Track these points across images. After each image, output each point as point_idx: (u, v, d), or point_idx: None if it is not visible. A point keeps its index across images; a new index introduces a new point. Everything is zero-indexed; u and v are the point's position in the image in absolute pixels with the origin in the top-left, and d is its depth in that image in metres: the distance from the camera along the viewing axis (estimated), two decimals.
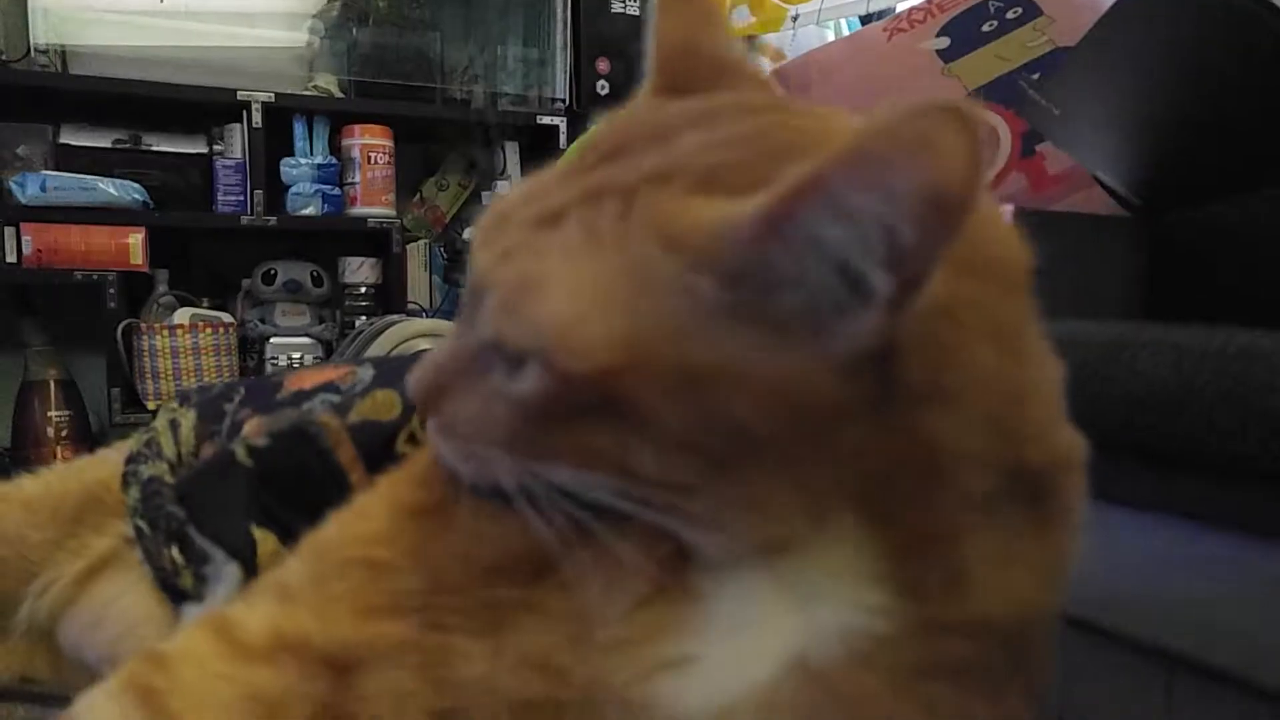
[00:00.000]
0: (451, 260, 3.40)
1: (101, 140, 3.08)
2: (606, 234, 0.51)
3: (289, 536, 0.74)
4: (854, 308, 0.48)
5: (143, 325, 3.04)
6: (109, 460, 0.97)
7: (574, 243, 0.52)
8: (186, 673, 0.61)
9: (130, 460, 0.93)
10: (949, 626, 0.55)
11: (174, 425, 0.93)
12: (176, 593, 0.85)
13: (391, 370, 0.84)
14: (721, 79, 0.62)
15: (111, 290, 2.95)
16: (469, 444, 0.57)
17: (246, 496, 0.77)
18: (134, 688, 0.61)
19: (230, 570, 0.74)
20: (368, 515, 0.67)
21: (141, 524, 0.87)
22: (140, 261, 2.97)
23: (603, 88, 3.44)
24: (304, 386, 0.88)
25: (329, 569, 0.65)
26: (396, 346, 2.60)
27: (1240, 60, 1.08)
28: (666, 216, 0.50)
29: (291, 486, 0.77)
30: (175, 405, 0.97)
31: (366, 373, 0.86)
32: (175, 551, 0.83)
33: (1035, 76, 1.73)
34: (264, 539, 0.75)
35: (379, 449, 0.76)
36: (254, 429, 0.85)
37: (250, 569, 0.74)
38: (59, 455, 2.98)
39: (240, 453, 0.79)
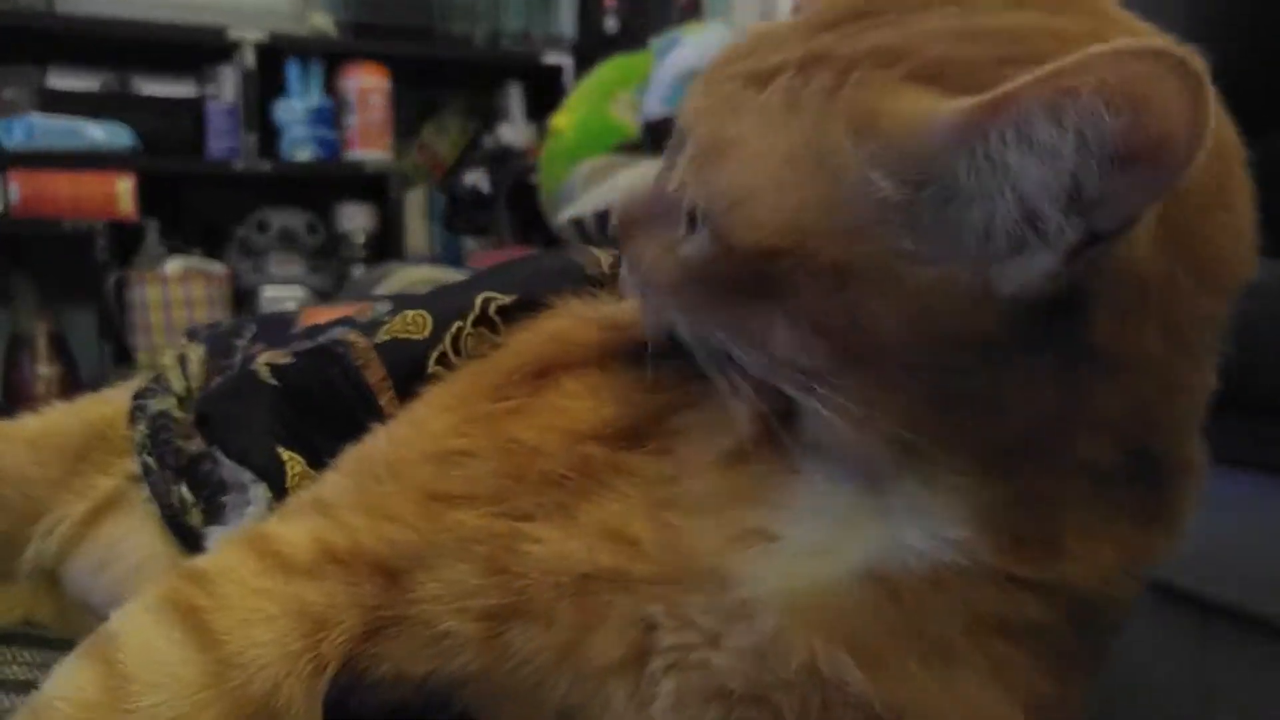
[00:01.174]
0: (452, 207, 3.39)
1: (89, 83, 3.08)
2: (808, 107, 0.51)
3: (315, 459, 0.74)
4: (1028, 246, 0.46)
5: (133, 277, 3.04)
6: (114, 398, 0.97)
7: (774, 109, 0.52)
8: (228, 589, 0.61)
9: (138, 395, 0.92)
10: (1027, 584, 0.55)
11: (183, 360, 0.92)
12: (184, 531, 0.85)
13: (414, 297, 0.84)
14: None
15: (101, 241, 2.95)
16: (645, 283, 0.59)
17: (271, 416, 0.77)
18: (174, 604, 0.61)
19: (258, 492, 0.74)
20: (428, 420, 0.68)
21: (150, 460, 0.87)
22: (130, 210, 2.97)
23: (611, 24, 3.41)
24: (319, 320, 0.88)
25: (384, 472, 0.65)
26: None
27: None
28: (870, 102, 0.49)
29: (318, 406, 0.77)
30: (184, 340, 0.97)
31: (384, 305, 0.86)
32: (185, 488, 0.83)
33: None
34: (291, 461, 0.75)
35: (409, 368, 0.76)
36: (271, 356, 0.84)
37: (278, 491, 0.74)
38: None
39: (263, 371, 0.79)
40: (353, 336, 0.78)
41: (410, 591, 0.61)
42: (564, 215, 2.21)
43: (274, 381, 0.78)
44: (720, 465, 0.59)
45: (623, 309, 0.70)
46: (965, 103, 0.46)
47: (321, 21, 3.30)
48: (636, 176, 2.00)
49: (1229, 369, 0.89)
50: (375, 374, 0.76)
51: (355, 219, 3.37)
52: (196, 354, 0.92)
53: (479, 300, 0.77)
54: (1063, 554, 0.55)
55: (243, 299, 3.25)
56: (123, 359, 3.05)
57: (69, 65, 3.06)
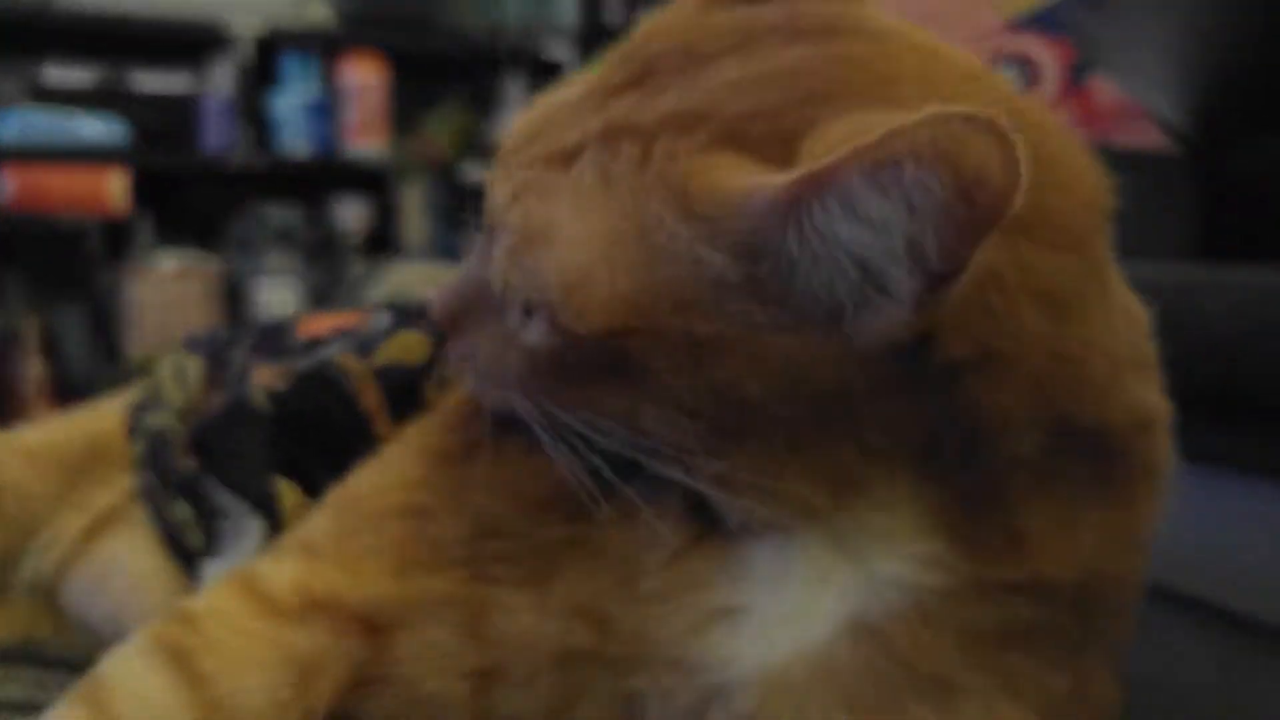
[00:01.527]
0: (451, 203, 3.38)
1: (84, 77, 3.07)
2: (620, 183, 0.50)
3: (312, 487, 0.73)
4: (876, 303, 0.47)
5: (126, 273, 3.03)
6: (113, 410, 0.96)
7: (586, 189, 0.51)
8: (217, 631, 0.61)
9: (136, 409, 0.92)
10: (1012, 587, 0.54)
11: (181, 372, 0.91)
12: (183, 550, 0.84)
13: (414, 313, 0.83)
14: None
15: (93, 237, 2.94)
16: (487, 380, 0.58)
17: (267, 446, 0.76)
18: (164, 646, 0.61)
19: (254, 524, 0.74)
20: (400, 464, 0.67)
21: (149, 477, 0.86)
22: (123, 205, 2.96)
23: (614, 14, 3.40)
24: (318, 333, 0.87)
25: (360, 523, 0.64)
26: (395, 294, 2.60)
27: None
28: (684, 176, 0.49)
29: (313, 435, 0.76)
30: (181, 351, 0.96)
31: (383, 317, 0.85)
32: (184, 507, 0.82)
33: (1079, 7, 1.71)
34: (288, 491, 0.74)
35: (405, 394, 0.75)
36: (266, 376, 0.84)
37: (274, 522, 0.73)
38: (39, 410, 2.99)
39: (259, 399, 0.78)
40: (348, 360, 0.77)
41: (393, 649, 0.60)
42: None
43: (269, 408, 0.77)
44: (672, 556, 0.57)
45: None
46: (781, 179, 0.45)
47: (318, 12, 3.29)
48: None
49: (1258, 376, 0.89)
50: (370, 400, 0.75)
51: (352, 213, 3.37)
52: (195, 366, 0.91)
53: None
54: (1032, 549, 0.54)
55: (237, 295, 3.25)
56: (114, 356, 3.04)
57: (64, 59, 3.05)
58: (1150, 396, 0.58)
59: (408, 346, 0.77)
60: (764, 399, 0.49)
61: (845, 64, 0.51)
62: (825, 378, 0.49)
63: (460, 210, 3.27)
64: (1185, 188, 1.39)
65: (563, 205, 0.51)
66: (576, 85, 0.57)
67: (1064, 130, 0.55)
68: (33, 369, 3.03)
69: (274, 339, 0.89)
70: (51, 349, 3.07)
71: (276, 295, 3.22)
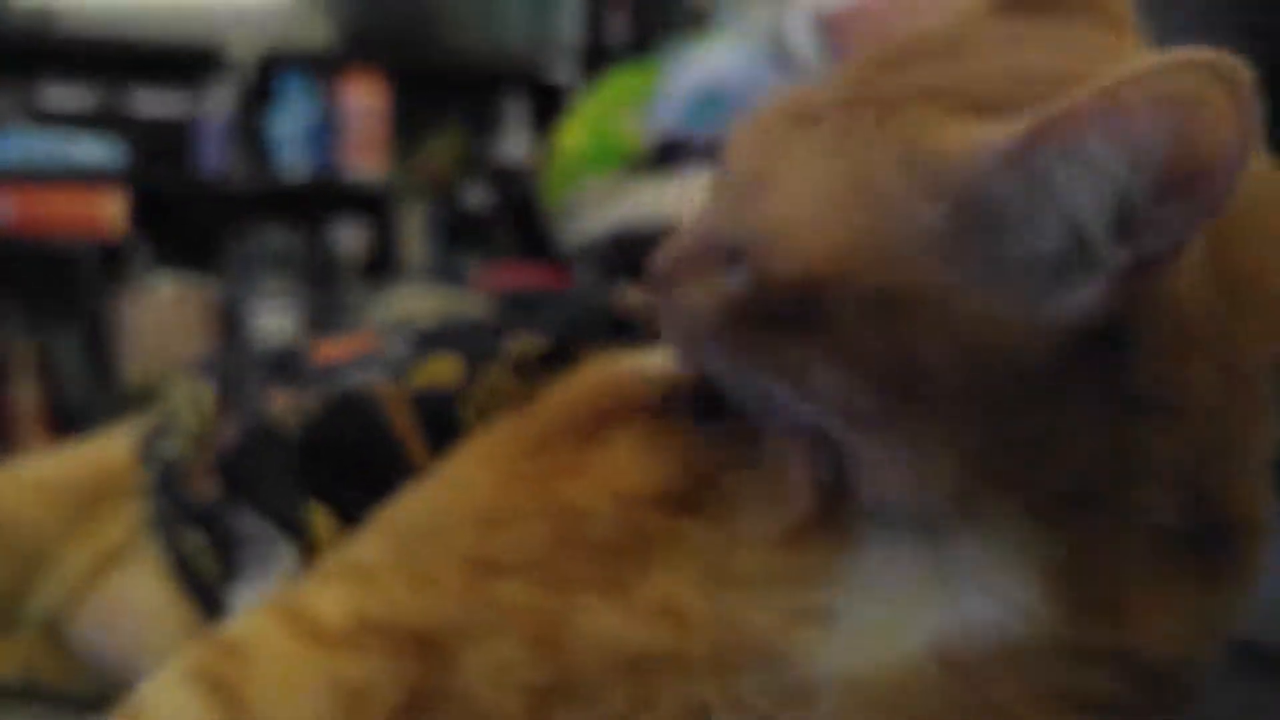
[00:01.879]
0: (451, 224, 3.38)
1: (82, 98, 3.08)
2: (853, 141, 0.51)
3: (344, 513, 0.72)
4: (1079, 270, 0.46)
5: (122, 296, 3.02)
6: (122, 440, 0.94)
7: (819, 145, 0.52)
8: (260, 661, 0.59)
9: (147, 439, 0.90)
10: (1099, 656, 0.54)
11: (194, 399, 0.90)
12: (196, 582, 0.82)
13: (438, 336, 0.81)
14: (1073, 3, 0.58)
15: (89, 259, 2.93)
16: (683, 329, 0.58)
17: (297, 470, 0.75)
18: (203, 676, 0.59)
19: (285, 549, 0.72)
20: (468, 480, 0.66)
21: (161, 504, 0.84)
22: (119, 228, 2.95)
23: (616, 35, 3.40)
24: (336, 356, 0.85)
25: (422, 539, 0.63)
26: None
27: None
28: (916, 133, 0.49)
29: (346, 459, 0.75)
30: (193, 378, 0.94)
31: (396, 340, 0.83)
32: (199, 535, 0.80)
33: None
34: (319, 515, 0.73)
35: (440, 419, 0.73)
36: (283, 402, 0.82)
37: (306, 548, 0.72)
38: (34, 434, 2.97)
39: (288, 423, 0.77)
40: (382, 385, 0.76)
41: (452, 665, 0.59)
42: (574, 238, 2.20)
43: (300, 433, 0.76)
44: (776, 538, 0.57)
45: (668, 361, 0.68)
46: (1017, 125, 0.46)
47: (318, 34, 3.29)
48: (650, 202, 1.99)
49: None
50: (403, 424, 0.74)
51: (351, 236, 3.36)
52: (207, 393, 0.90)
53: (512, 346, 0.74)
54: (1128, 617, 0.54)
55: (235, 318, 3.24)
56: (109, 379, 3.03)
57: (62, 80, 3.05)
58: (1267, 506, 0.57)
59: (440, 371, 0.75)
60: (939, 367, 0.49)
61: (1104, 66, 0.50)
62: (1006, 354, 0.48)
63: (461, 232, 3.27)
64: None
65: (793, 157, 0.53)
66: (844, 67, 0.58)
67: None
68: (28, 392, 3.01)
69: (288, 365, 0.88)
70: (47, 372, 3.05)
71: (274, 318, 3.21)
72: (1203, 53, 0.41)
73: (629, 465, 0.60)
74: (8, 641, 0.92)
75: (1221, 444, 0.52)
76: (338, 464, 0.74)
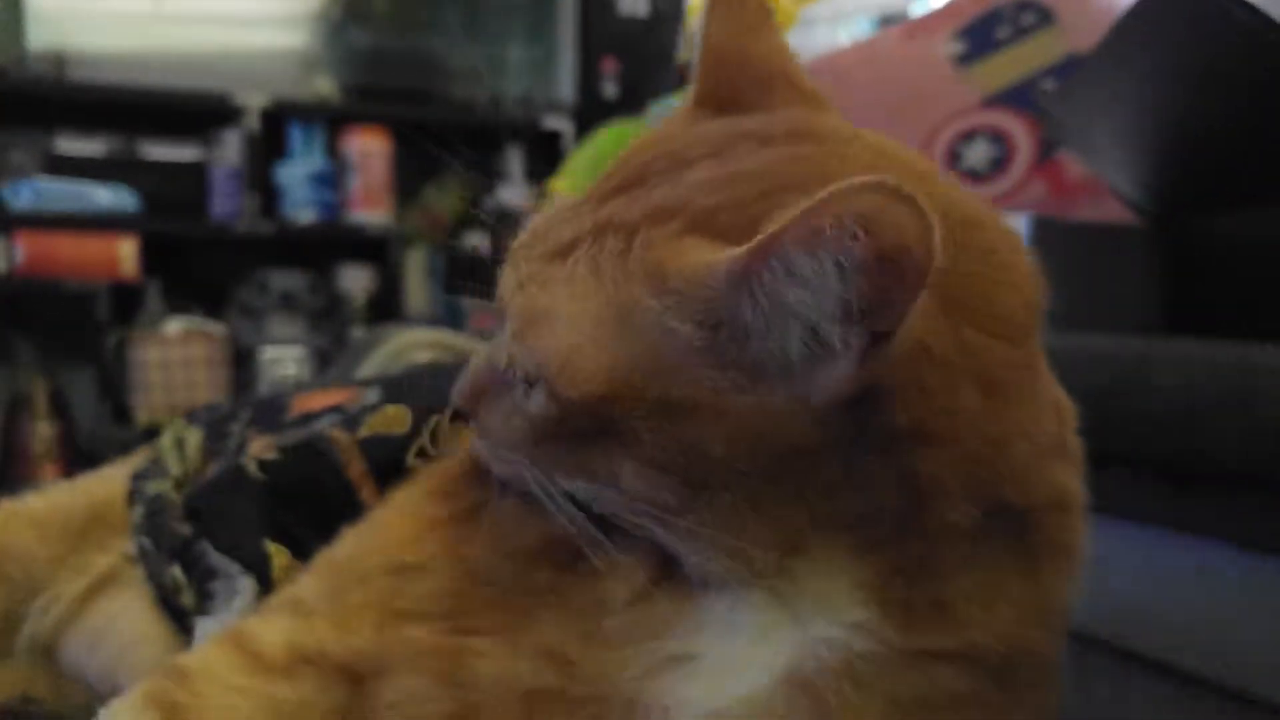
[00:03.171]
0: (451, 268, 3.42)
1: (96, 146, 3.14)
2: (605, 271, 0.56)
3: (300, 550, 0.77)
4: (821, 360, 0.52)
5: (134, 337, 3.08)
6: (115, 477, 0.99)
7: (577, 278, 0.57)
8: (206, 687, 0.64)
9: (136, 478, 0.95)
10: (938, 656, 0.58)
11: (180, 443, 0.95)
12: (177, 611, 0.87)
13: (399, 387, 0.87)
14: (770, 91, 0.65)
15: (102, 301, 3.00)
16: (497, 449, 0.63)
17: (259, 511, 0.79)
18: (156, 702, 0.64)
19: (245, 584, 0.77)
20: (389, 526, 0.71)
21: (145, 541, 0.89)
22: (132, 271, 3.01)
23: (610, 89, 3.47)
24: (311, 409, 0.91)
25: (348, 581, 0.68)
26: (396, 358, 2.62)
27: (1251, 80, 1.11)
28: (657, 259, 0.55)
29: (303, 501, 0.79)
30: (182, 423, 1.00)
31: (373, 394, 0.89)
32: (177, 570, 0.85)
33: (1050, 84, 1.76)
34: (277, 553, 0.77)
35: (389, 463, 0.78)
36: (260, 449, 0.87)
37: (265, 583, 0.76)
38: (47, 471, 3.02)
39: (251, 467, 0.81)
40: (336, 432, 0.81)
41: (372, 695, 0.64)
42: None
43: (261, 476, 0.81)
44: (635, 599, 0.61)
45: None
46: (735, 251, 0.51)
47: (324, 85, 3.35)
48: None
49: (1222, 448, 0.92)
50: (357, 469, 0.79)
51: (356, 280, 3.41)
52: (194, 438, 0.95)
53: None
54: (958, 619, 0.58)
55: (243, 359, 3.28)
56: (122, 418, 3.07)
57: (76, 129, 3.12)
58: (1070, 483, 0.62)
59: (392, 418, 0.81)
60: (727, 456, 0.54)
61: (805, 162, 0.58)
62: (781, 436, 0.54)
63: (460, 277, 3.31)
64: (1148, 260, 1.43)
65: (558, 292, 0.57)
66: (579, 195, 0.63)
67: (1007, 228, 0.60)
68: (42, 430, 3.06)
69: (270, 414, 0.93)
70: (61, 411, 3.10)
71: (281, 359, 3.25)
72: (872, 178, 0.46)
73: (518, 522, 0.65)
74: (5, 666, 0.97)
75: (993, 447, 0.57)
76: (296, 505, 0.79)
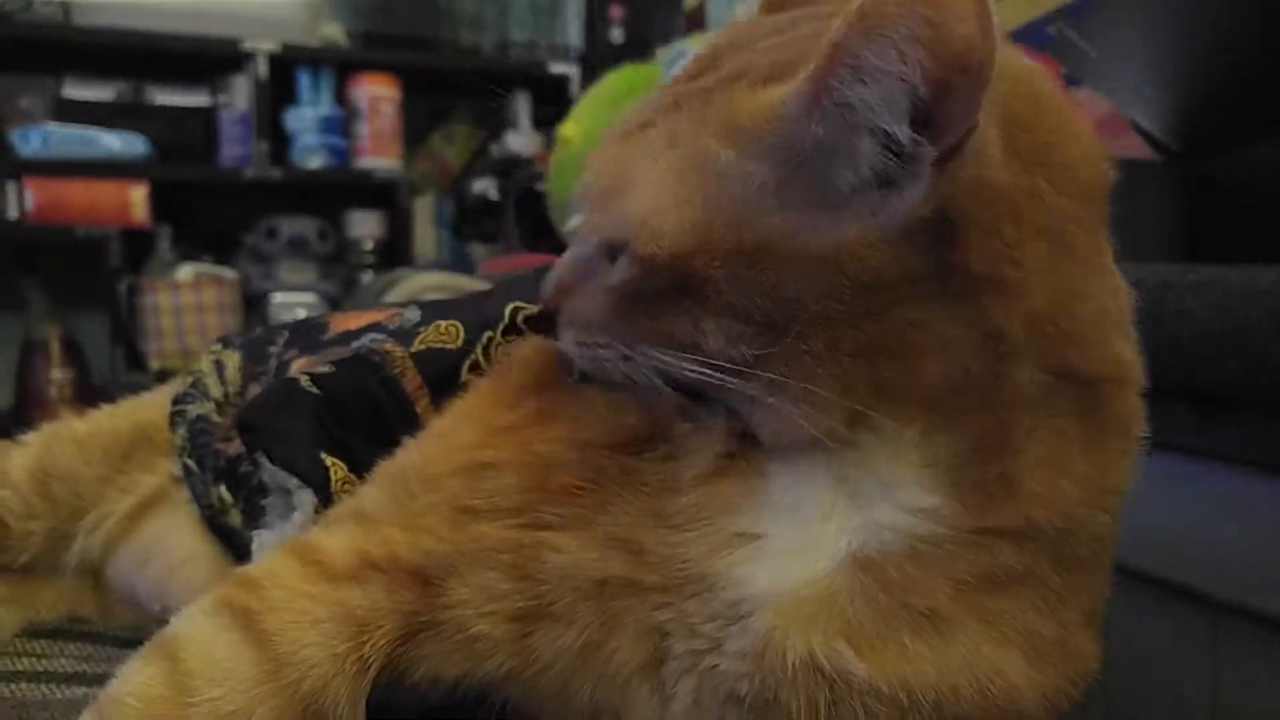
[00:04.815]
0: (460, 214, 3.41)
1: (104, 92, 3.12)
2: (682, 134, 0.59)
3: (355, 462, 0.77)
4: (896, 172, 0.53)
5: (145, 283, 3.07)
6: (156, 402, 1.00)
7: (655, 145, 0.60)
8: (278, 594, 0.65)
9: (177, 401, 0.95)
10: (997, 533, 0.59)
11: (219, 366, 0.95)
12: (223, 530, 0.88)
13: (444, 306, 0.87)
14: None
15: (114, 247, 2.98)
16: (582, 332, 0.65)
17: (313, 424, 0.79)
18: (229, 607, 0.65)
19: (304, 497, 0.77)
20: (455, 433, 0.71)
21: (190, 462, 0.90)
22: (143, 218, 3.00)
23: (616, 34, 3.44)
24: (350, 327, 0.91)
25: (415, 488, 0.69)
26: (408, 300, 2.62)
27: (1275, 13, 1.10)
28: (728, 109, 0.57)
29: (357, 413, 0.80)
30: (218, 346, 1.00)
31: (413, 313, 0.88)
32: (223, 489, 0.86)
33: (1064, 24, 1.75)
34: (334, 466, 0.77)
35: (443, 376, 0.79)
36: (302, 367, 0.87)
37: (323, 496, 0.77)
38: (63, 416, 3.01)
39: (304, 380, 0.81)
40: (389, 345, 0.81)
41: (443, 597, 0.65)
42: (575, 223, 2.23)
43: (315, 390, 0.81)
44: (705, 477, 0.63)
45: None
46: (802, 72, 0.53)
47: (332, 31, 3.33)
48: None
49: (1258, 372, 0.92)
50: (412, 382, 0.79)
51: (365, 226, 3.40)
52: (232, 360, 0.95)
53: (508, 310, 0.80)
54: (1023, 495, 0.59)
55: (253, 305, 3.28)
56: (134, 363, 3.07)
57: (85, 76, 3.10)
58: (1132, 358, 0.63)
59: (444, 333, 0.81)
60: (804, 298, 0.55)
61: None
62: (857, 271, 0.55)
63: (469, 223, 3.30)
64: (1169, 194, 1.42)
65: (637, 161, 0.60)
66: (665, 86, 0.65)
67: (1069, 103, 0.62)
68: (57, 376, 3.06)
69: (308, 334, 0.93)
70: (74, 356, 3.10)
71: (291, 304, 3.25)
72: None
73: (588, 417, 0.67)
74: (54, 585, 0.98)
75: (1060, 304, 0.57)
76: (351, 418, 0.79)
